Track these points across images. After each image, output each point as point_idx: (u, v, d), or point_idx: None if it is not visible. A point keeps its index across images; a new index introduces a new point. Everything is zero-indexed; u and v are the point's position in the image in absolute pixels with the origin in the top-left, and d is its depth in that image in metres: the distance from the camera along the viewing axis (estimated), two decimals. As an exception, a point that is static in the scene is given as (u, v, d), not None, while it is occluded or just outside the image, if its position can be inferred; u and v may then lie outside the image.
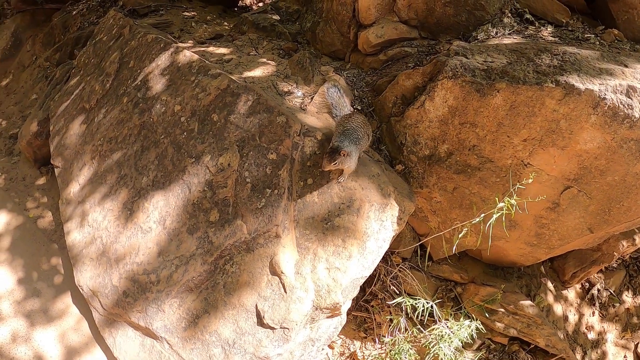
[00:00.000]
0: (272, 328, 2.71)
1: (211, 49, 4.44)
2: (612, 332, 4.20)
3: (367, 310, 3.75)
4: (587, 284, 4.38)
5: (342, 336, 3.67)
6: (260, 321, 2.73)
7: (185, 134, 3.42)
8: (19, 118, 5.33)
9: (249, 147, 3.09)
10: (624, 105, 2.75)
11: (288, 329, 2.68)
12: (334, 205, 2.79)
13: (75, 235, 3.74)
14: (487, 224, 2.76)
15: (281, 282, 2.72)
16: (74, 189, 3.97)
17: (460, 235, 3.01)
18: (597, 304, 4.28)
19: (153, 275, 3.14)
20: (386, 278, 3.37)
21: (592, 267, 4.11)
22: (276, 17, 4.96)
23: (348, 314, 3.61)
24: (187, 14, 5.69)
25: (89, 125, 4.17)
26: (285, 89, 3.79)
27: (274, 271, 2.75)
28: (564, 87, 2.78)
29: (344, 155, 2.64)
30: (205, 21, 5.65)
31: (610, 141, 2.84)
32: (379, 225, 2.81)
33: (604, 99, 2.74)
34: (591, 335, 4.15)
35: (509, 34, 3.91)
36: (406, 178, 3.43)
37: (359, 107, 3.73)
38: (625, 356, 4.15)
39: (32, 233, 4.32)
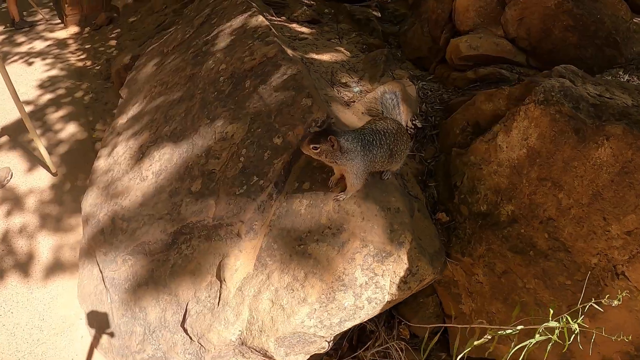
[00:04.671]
0: (190, 338, 1.97)
1: (293, 25, 3.83)
2: None
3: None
4: None
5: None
6: (184, 323, 2.01)
7: (215, 93, 2.85)
8: (129, 52, 5.39)
9: (259, 122, 2.37)
10: None
11: (204, 348, 1.91)
12: (318, 226, 1.91)
13: (101, 161, 3.45)
14: (527, 348, 1.59)
15: (219, 290, 1.96)
16: (121, 120, 3.69)
17: (476, 342, 1.87)
18: None
19: (126, 223, 2.62)
20: (367, 352, 2.35)
21: None
22: (377, 13, 4.17)
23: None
24: (306, 0, 5.25)
25: (158, 68, 3.89)
26: (343, 80, 2.99)
27: (219, 275, 2.00)
28: None
29: (331, 143, 1.68)
30: (321, 13, 5.12)
31: None
32: (368, 279, 1.83)
33: None
34: None
35: (646, 86, 2.60)
36: (448, 235, 2.31)
37: (420, 125, 2.76)
38: None
39: (87, 150, 4.23)
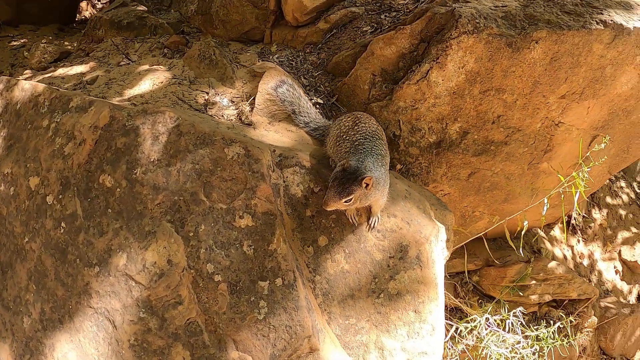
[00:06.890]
0: None
1: (60, 71, 2.56)
2: (597, 251, 3.83)
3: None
4: (565, 216, 3.96)
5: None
6: None
7: (63, 224, 1.71)
8: None
9: (192, 218, 1.56)
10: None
11: None
12: (379, 265, 1.52)
13: None
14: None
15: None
16: None
17: (525, 227, 2.22)
18: (578, 231, 3.87)
19: None
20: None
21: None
22: (141, 7, 3.18)
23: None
24: (15, 43, 3.71)
25: None
26: (201, 100, 2.24)
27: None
28: (612, 27, 2.05)
29: (366, 185, 1.36)
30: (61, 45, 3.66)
31: (645, 79, 2.19)
32: (440, 264, 1.68)
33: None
34: (585, 262, 3.73)
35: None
36: (405, 177, 2.27)
37: (321, 101, 2.38)
38: (614, 267, 3.83)
39: None
